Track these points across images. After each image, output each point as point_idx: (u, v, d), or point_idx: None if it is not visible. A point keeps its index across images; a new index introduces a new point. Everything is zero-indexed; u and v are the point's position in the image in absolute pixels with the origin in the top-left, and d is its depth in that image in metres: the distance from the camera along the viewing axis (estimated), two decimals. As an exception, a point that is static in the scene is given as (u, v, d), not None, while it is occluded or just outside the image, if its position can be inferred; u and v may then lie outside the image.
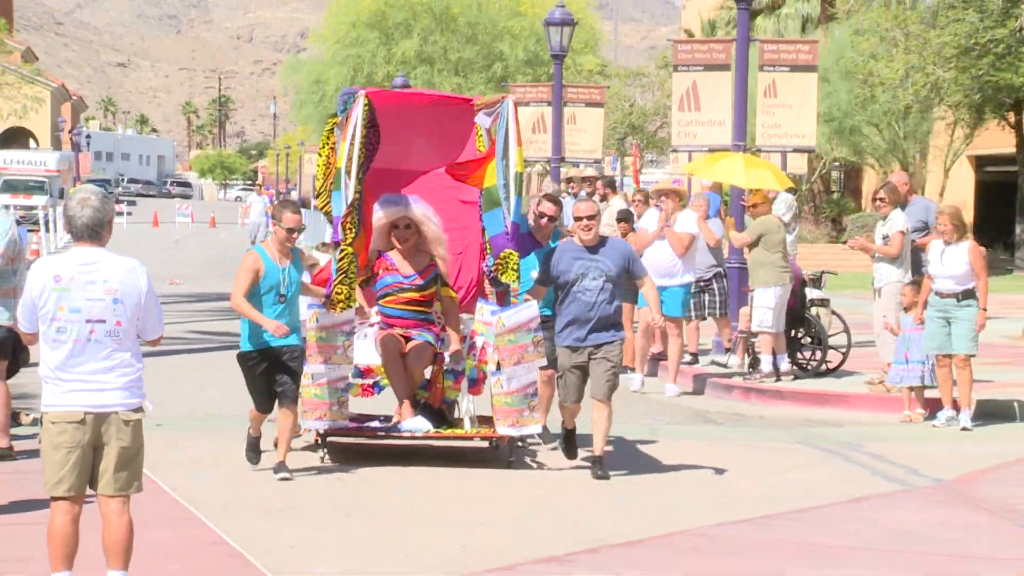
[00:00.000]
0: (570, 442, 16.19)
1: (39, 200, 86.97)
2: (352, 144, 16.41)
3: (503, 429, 15.46)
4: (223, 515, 17.11)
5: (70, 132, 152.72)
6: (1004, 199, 62.17)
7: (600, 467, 15.78)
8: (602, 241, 16.19)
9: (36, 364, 13.16)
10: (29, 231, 33.13)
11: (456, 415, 16.82)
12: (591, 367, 15.38)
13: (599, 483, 16.04)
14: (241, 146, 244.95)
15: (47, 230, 53.90)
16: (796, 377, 27.61)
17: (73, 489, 12.79)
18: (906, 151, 66.55)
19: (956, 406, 22.87)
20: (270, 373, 14.78)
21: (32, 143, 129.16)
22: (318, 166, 17.99)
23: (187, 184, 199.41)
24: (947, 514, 17.87)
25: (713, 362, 29.75)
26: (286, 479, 15.61)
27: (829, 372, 28.14)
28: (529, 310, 15.57)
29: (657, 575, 14.60)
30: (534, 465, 16.09)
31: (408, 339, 16.45)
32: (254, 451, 15.58)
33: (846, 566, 15.24)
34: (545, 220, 18.32)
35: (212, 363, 30.99)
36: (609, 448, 16.48)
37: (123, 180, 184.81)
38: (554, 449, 17.44)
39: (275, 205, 16.39)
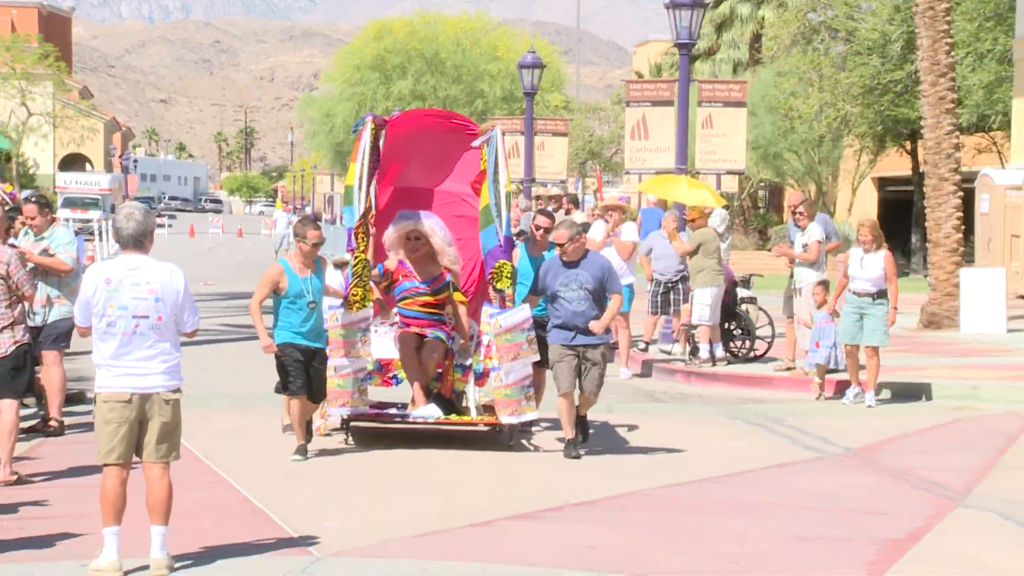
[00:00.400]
0: (571, 446, 16.37)
1: (94, 214, 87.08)
2: (362, 164, 16.37)
3: (504, 417, 15.31)
4: (248, 479, 17.14)
5: (120, 157, 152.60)
6: (902, 214, 62.49)
7: (572, 447, 15.95)
8: (584, 256, 16.10)
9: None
10: (85, 240, 33.08)
11: (464, 404, 16.69)
12: (582, 367, 15.38)
13: (552, 454, 16.26)
14: (263, 169, 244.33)
15: (100, 240, 53.76)
16: (729, 363, 27.91)
17: (122, 457, 13.05)
18: (820, 173, 66.88)
19: (864, 387, 23.13)
20: (302, 364, 14.56)
21: (88, 166, 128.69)
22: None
23: (218, 201, 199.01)
24: (854, 478, 17.93)
25: (660, 350, 29.84)
26: (298, 460, 15.58)
27: (756, 358, 28.53)
28: (522, 312, 15.43)
29: (607, 528, 14.64)
30: (531, 448, 16.19)
31: (423, 336, 16.28)
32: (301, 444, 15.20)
33: (769, 520, 15.34)
34: (541, 232, 18.09)
35: (241, 351, 30.94)
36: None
37: (165, 197, 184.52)
38: (548, 428, 17.47)
39: (298, 223, 15.46)
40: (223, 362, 28.80)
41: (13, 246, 18.35)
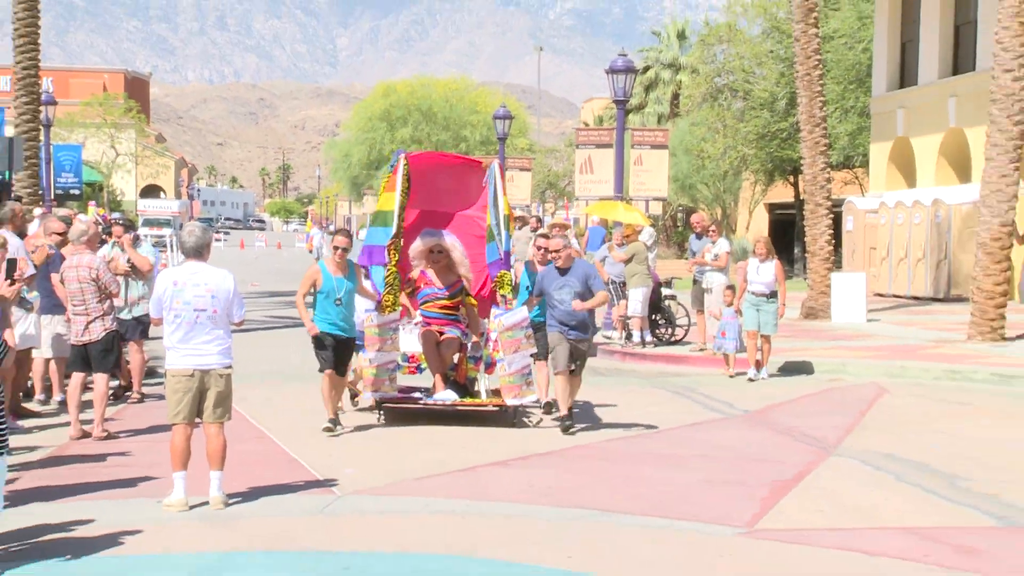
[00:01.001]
0: (565, 421, 15.97)
1: (167, 231, 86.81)
2: (401, 194, 16.22)
3: (509, 400, 15.20)
4: (286, 437, 17.14)
5: (187, 187, 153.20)
6: (787, 231, 62.68)
7: (567, 422, 15.73)
8: (573, 264, 15.82)
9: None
10: (159, 251, 33.06)
11: (476, 388, 16.63)
12: (575, 354, 15.25)
13: (549, 422, 16.16)
14: (297, 196, 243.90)
15: (171, 251, 53.67)
16: (655, 345, 27.98)
17: (186, 418, 13.38)
18: (725, 200, 67.17)
19: (759, 365, 23.36)
20: (332, 348, 14.41)
21: (162, 194, 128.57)
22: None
23: (262, 221, 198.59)
24: (751, 434, 17.99)
25: (603, 335, 29.78)
26: (329, 430, 15.30)
27: (676, 342, 28.60)
28: (520, 313, 15.25)
29: (564, 473, 14.80)
30: (530, 424, 16.19)
31: (442, 333, 16.15)
32: (351, 401, 15.07)
33: (687, 467, 15.40)
34: (542, 252, 17.51)
35: (281, 338, 31.11)
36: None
37: (221, 218, 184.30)
38: (548, 412, 16.99)
39: (334, 232, 16.03)
40: (266, 345, 28.78)
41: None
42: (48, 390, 19.72)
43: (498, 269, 16.24)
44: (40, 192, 37.97)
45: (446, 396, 15.62)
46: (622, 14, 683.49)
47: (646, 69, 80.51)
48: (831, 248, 34.54)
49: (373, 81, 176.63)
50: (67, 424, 17.41)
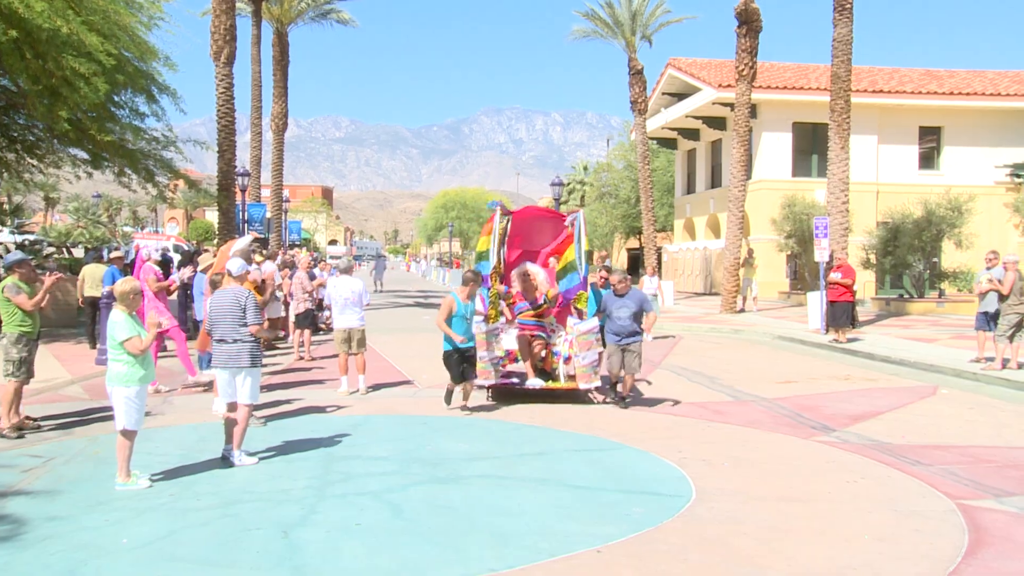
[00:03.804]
0: (613, 388, 12.66)
1: (340, 263, 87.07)
2: (495, 237, 13.25)
3: (582, 385, 12.30)
4: (395, 359, 17.10)
5: (349, 241, 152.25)
6: (637, 262, 62.16)
7: (625, 401, 12.19)
8: (630, 291, 12.52)
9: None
10: (335, 272, 33.01)
11: (556, 374, 13.26)
12: (625, 357, 12.17)
13: (610, 406, 12.31)
14: (400, 244, 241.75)
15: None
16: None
17: (345, 350, 13.17)
18: (605, 247, 66.34)
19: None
20: (460, 361, 11.73)
21: (336, 243, 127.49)
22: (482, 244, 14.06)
23: (385, 256, 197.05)
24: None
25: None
26: (466, 410, 11.74)
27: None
28: (592, 322, 12.49)
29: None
30: (596, 401, 12.71)
31: (533, 336, 13.35)
32: (448, 398, 11.91)
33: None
34: (603, 280, 15.22)
35: (397, 312, 30.08)
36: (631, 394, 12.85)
37: (365, 255, 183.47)
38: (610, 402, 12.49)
39: (465, 273, 12.31)
40: (386, 317, 28.59)
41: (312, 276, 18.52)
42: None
43: (578, 290, 13.20)
44: (280, 243, 38.03)
45: (535, 383, 12.90)
46: (558, 158, 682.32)
47: (570, 183, 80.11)
48: (657, 269, 34.44)
49: (437, 189, 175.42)
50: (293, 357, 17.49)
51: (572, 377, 12.93)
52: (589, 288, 13.27)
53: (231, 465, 8.68)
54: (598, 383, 12.50)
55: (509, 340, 13.43)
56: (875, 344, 19.48)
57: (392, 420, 11.21)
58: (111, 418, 8.16)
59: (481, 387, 12.68)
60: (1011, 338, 15.08)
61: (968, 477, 8.52)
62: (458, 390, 12.05)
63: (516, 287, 13.79)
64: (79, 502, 7.42)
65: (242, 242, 11.29)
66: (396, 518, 7.06)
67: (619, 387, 12.59)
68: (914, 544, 6.54)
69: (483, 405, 12.18)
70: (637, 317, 12.36)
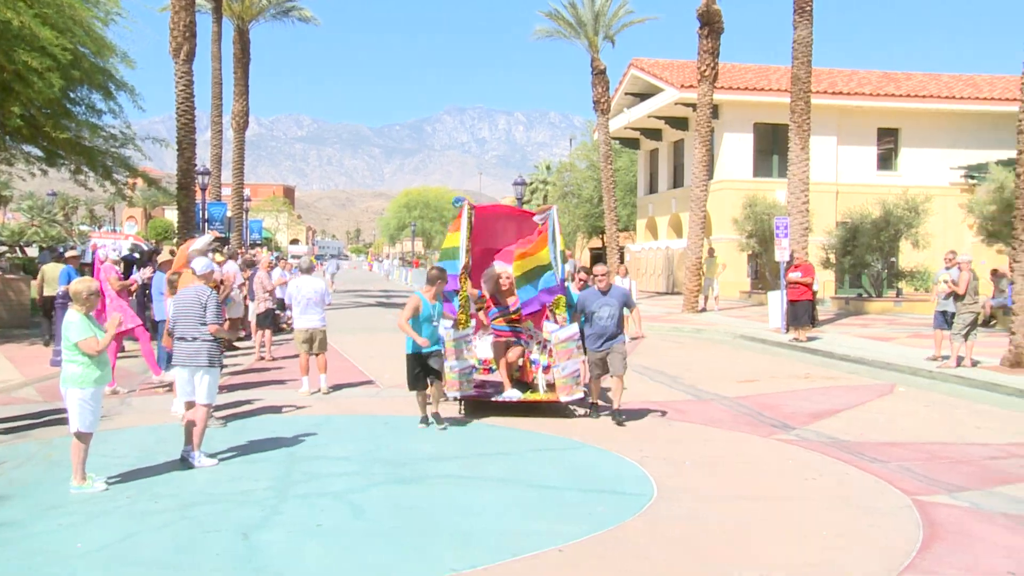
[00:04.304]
0: (595, 408, 11.46)
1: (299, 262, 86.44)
2: (465, 234, 11.78)
3: (563, 397, 11.21)
4: (355, 359, 17.02)
5: (311, 240, 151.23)
6: (599, 261, 62.39)
7: (619, 416, 11.05)
8: (610, 287, 11.39)
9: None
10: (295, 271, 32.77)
11: (535, 383, 12.18)
12: (609, 358, 11.05)
13: (590, 416, 11.42)
14: (363, 243, 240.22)
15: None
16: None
17: (306, 351, 13.09)
18: (568, 246, 66.38)
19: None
20: (422, 366, 10.58)
21: (299, 243, 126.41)
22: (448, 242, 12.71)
23: (347, 256, 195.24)
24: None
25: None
26: (441, 423, 10.63)
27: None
28: (572, 329, 11.35)
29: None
30: (577, 414, 11.64)
31: (509, 343, 12.12)
32: (425, 420, 10.77)
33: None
34: (580, 283, 12.98)
35: (356, 312, 30.03)
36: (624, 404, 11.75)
37: (327, 254, 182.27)
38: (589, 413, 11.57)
39: (430, 270, 11.22)
40: (346, 316, 28.49)
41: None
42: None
43: (555, 294, 11.89)
44: (241, 243, 37.68)
45: (512, 394, 11.75)
46: (520, 157, 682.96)
47: (532, 182, 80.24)
48: (620, 266, 34.54)
49: (399, 188, 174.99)
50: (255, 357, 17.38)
51: (552, 386, 11.87)
52: (567, 293, 12.09)
53: (190, 467, 8.59)
54: (581, 395, 11.47)
55: (483, 348, 12.43)
56: (834, 343, 19.72)
57: (354, 420, 11.17)
58: (65, 420, 8.03)
59: (453, 399, 11.57)
60: (966, 336, 15.34)
61: (923, 473, 8.65)
62: (418, 398, 10.93)
63: (487, 290, 12.52)
64: (32, 506, 7.30)
65: (201, 241, 11.18)
66: (358, 519, 7.03)
67: (600, 400, 11.74)
68: (871, 539, 6.62)
69: (453, 418, 11.23)
70: (620, 318, 11.33)
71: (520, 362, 12.43)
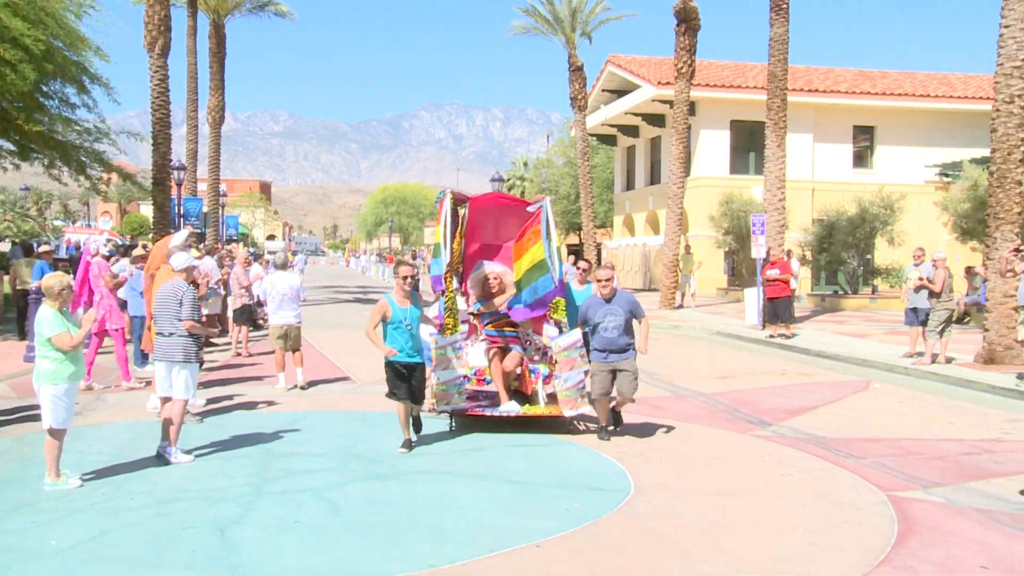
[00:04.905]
0: (603, 431, 9.95)
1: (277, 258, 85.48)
2: (445, 227, 10.38)
3: (567, 411, 9.93)
4: (332, 354, 16.95)
5: (288, 236, 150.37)
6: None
7: (606, 433, 9.88)
8: (615, 294, 9.89)
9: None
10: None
11: (533, 394, 10.87)
12: (618, 376, 9.68)
13: (601, 438, 9.88)
14: (340, 239, 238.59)
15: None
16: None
17: (282, 347, 13.07)
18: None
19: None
20: (403, 377, 9.08)
21: (276, 239, 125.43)
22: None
23: (324, 252, 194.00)
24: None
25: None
26: (404, 453, 9.08)
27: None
28: (575, 335, 9.96)
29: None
30: (581, 429, 10.37)
31: (505, 350, 10.73)
32: (408, 445, 9.24)
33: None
34: (581, 272, 11.65)
35: (333, 308, 29.94)
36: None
37: (304, 249, 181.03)
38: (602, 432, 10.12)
39: (395, 264, 9.85)
40: (322, 312, 28.36)
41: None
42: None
43: (553, 296, 10.50)
44: (217, 238, 37.48)
45: (510, 408, 10.42)
46: (498, 154, 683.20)
47: (510, 179, 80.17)
48: (597, 263, 34.59)
49: (376, 184, 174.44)
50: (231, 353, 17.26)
51: (553, 396, 10.69)
52: (566, 292, 10.82)
53: (166, 463, 8.53)
54: (586, 409, 10.11)
55: (476, 355, 11.13)
56: (811, 339, 19.85)
57: (330, 416, 11.12)
58: (39, 417, 7.95)
59: (443, 413, 10.20)
60: (941, 333, 15.48)
61: (898, 469, 8.72)
62: (400, 413, 9.37)
63: (474, 294, 11.34)
64: (3, 504, 7.22)
65: (178, 237, 11.10)
66: (334, 515, 7.00)
67: (610, 425, 10.28)
68: (846, 535, 6.66)
69: (442, 433, 10.04)
70: (628, 327, 9.90)
71: (519, 371, 11.09)
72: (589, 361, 10.00)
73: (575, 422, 10.63)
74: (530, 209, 11.33)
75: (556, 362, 10.16)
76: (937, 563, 6.12)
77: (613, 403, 10.21)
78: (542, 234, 10.61)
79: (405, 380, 9.18)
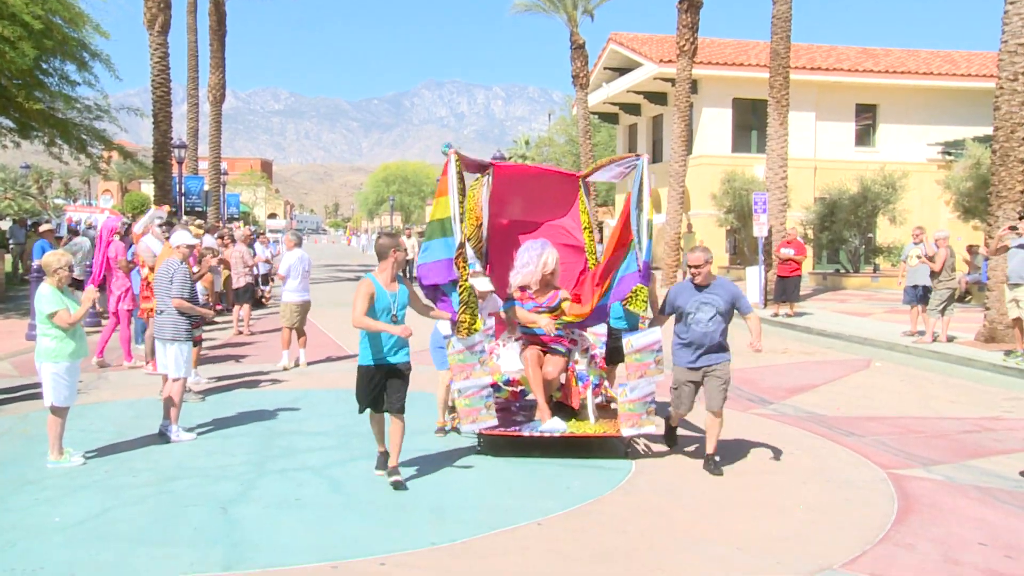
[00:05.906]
0: (672, 435, 8.50)
1: (280, 236, 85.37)
2: (454, 199, 7.96)
3: (626, 430, 7.98)
4: (335, 334, 16.94)
5: (290, 215, 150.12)
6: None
7: (713, 464, 7.72)
8: (714, 281, 7.98)
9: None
10: (274, 244, 32.50)
11: (582, 408, 8.67)
12: (706, 383, 7.92)
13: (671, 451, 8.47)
14: (341, 218, 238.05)
15: (277, 244, 52.45)
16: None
17: (294, 322, 12.69)
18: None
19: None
20: (382, 385, 7.14)
21: (277, 217, 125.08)
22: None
23: (325, 230, 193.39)
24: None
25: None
26: (397, 484, 7.07)
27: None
28: (654, 334, 8.07)
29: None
30: (643, 451, 8.44)
31: (546, 352, 8.62)
32: (388, 471, 7.24)
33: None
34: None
35: (335, 286, 29.63)
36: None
37: (305, 228, 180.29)
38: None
39: (380, 239, 7.34)
40: (324, 290, 28.26)
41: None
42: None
43: (634, 283, 8.22)
44: (219, 217, 37.45)
45: (554, 427, 8.22)
46: (499, 132, 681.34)
47: (511, 157, 79.91)
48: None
49: (378, 163, 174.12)
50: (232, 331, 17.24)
51: (604, 408, 8.91)
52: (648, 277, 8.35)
53: (168, 441, 8.55)
54: (652, 428, 8.15)
55: (509, 359, 8.73)
56: (812, 318, 19.84)
57: (333, 395, 11.12)
58: (41, 395, 7.96)
59: (469, 433, 8.46)
60: (942, 312, 15.47)
61: (898, 447, 8.74)
62: (374, 425, 7.63)
63: (516, 282, 8.95)
64: (7, 481, 7.23)
65: (146, 217, 11.06)
66: (336, 493, 7.01)
67: (677, 430, 8.64)
68: (846, 513, 6.68)
69: (457, 449, 8.22)
70: (725, 321, 8.08)
71: (563, 379, 8.86)
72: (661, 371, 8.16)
73: (634, 442, 8.57)
74: (606, 177, 9.54)
75: (626, 366, 8.19)
76: (937, 540, 6.14)
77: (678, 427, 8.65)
78: (631, 202, 8.56)
79: (378, 386, 7.24)
